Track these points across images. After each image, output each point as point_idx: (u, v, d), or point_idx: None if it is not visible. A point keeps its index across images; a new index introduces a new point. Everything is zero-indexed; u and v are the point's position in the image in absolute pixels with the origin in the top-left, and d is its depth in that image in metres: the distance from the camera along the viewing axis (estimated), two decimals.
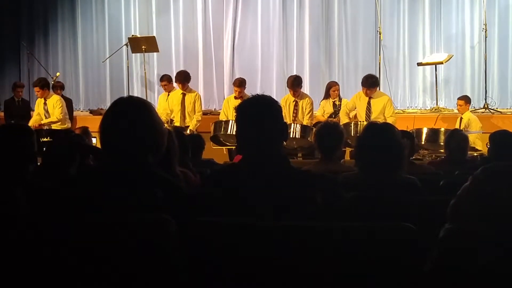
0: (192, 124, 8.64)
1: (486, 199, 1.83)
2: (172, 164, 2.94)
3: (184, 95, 8.77)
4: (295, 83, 8.26)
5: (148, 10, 11.30)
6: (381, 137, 3.09)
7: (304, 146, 7.28)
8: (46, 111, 8.99)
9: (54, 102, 8.97)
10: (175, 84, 9.14)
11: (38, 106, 9.06)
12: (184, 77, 8.78)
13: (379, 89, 8.53)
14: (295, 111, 8.17)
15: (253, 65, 11.04)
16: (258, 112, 2.28)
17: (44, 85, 8.95)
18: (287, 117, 7.99)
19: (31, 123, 8.85)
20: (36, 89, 8.94)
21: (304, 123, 7.96)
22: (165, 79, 9.34)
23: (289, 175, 2.26)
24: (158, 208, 2.03)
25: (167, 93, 9.28)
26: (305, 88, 8.80)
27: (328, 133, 4.20)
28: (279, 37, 10.99)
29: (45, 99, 8.97)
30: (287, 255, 1.77)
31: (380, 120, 7.52)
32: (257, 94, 2.37)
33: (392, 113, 8.11)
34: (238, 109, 2.34)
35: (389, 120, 7.57)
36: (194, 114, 8.76)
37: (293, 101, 8.22)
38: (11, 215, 2.03)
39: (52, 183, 2.72)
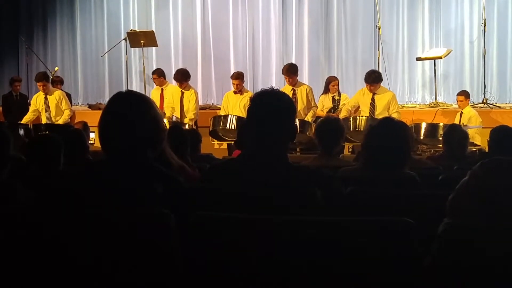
0: (188, 118, 8.59)
1: (485, 193, 1.83)
2: (184, 154, 2.98)
3: (183, 93, 8.73)
4: (290, 69, 8.21)
5: (147, 5, 11.27)
6: (397, 135, 3.05)
7: (303, 141, 7.28)
8: (48, 106, 8.76)
9: (57, 98, 8.78)
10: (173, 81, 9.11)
11: (37, 102, 8.79)
12: (182, 76, 8.67)
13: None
14: (293, 99, 8.09)
15: (252, 59, 11.03)
16: (273, 108, 2.25)
17: (47, 79, 8.81)
18: None
19: (26, 119, 8.66)
20: (42, 83, 8.67)
21: (314, 110, 8.08)
22: (156, 73, 9.24)
23: (287, 170, 2.25)
24: (157, 202, 2.04)
25: (159, 87, 9.23)
26: (304, 83, 8.77)
27: (329, 128, 4.19)
28: (278, 31, 10.97)
29: (46, 94, 8.77)
30: (286, 250, 1.77)
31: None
32: (277, 89, 2.34)
33: (397, 108, 8.12)
34: (253, 100, 2.33)
35: (394, 116, 7.56)
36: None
37: (291, 90, 8.14)
38: (11, 210, 2.03)
39: (50, 178, 2.72)
